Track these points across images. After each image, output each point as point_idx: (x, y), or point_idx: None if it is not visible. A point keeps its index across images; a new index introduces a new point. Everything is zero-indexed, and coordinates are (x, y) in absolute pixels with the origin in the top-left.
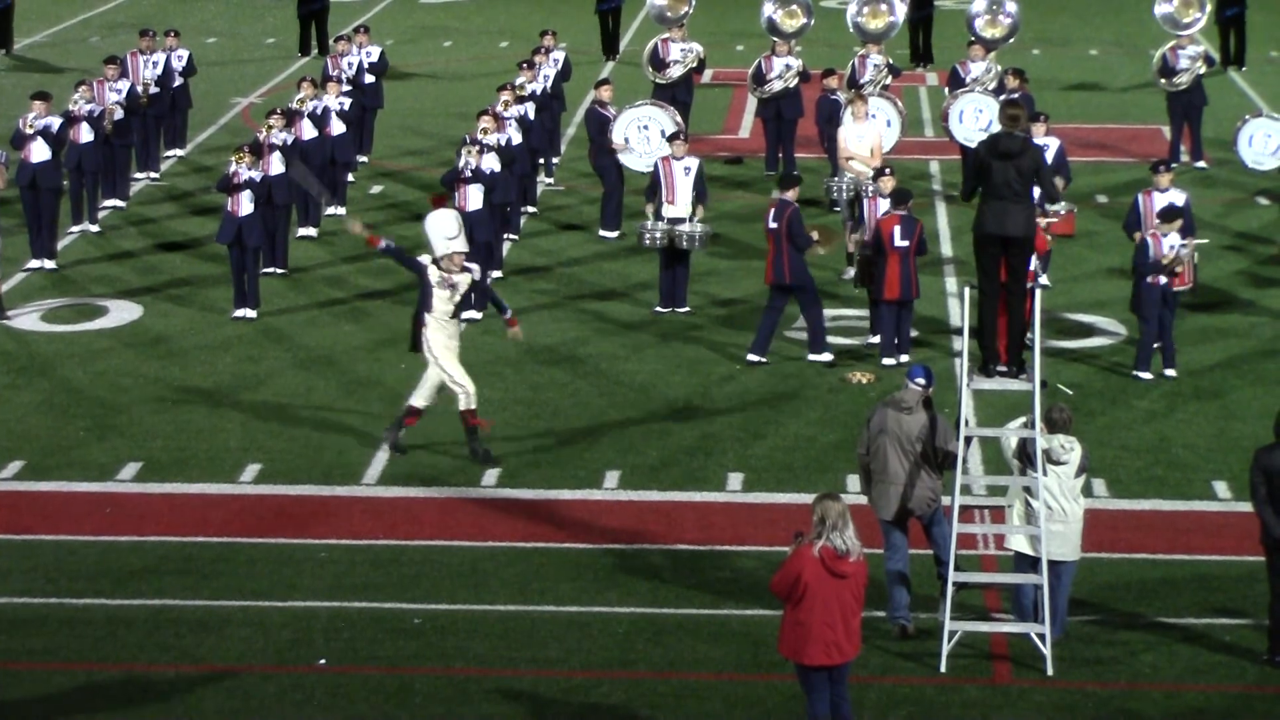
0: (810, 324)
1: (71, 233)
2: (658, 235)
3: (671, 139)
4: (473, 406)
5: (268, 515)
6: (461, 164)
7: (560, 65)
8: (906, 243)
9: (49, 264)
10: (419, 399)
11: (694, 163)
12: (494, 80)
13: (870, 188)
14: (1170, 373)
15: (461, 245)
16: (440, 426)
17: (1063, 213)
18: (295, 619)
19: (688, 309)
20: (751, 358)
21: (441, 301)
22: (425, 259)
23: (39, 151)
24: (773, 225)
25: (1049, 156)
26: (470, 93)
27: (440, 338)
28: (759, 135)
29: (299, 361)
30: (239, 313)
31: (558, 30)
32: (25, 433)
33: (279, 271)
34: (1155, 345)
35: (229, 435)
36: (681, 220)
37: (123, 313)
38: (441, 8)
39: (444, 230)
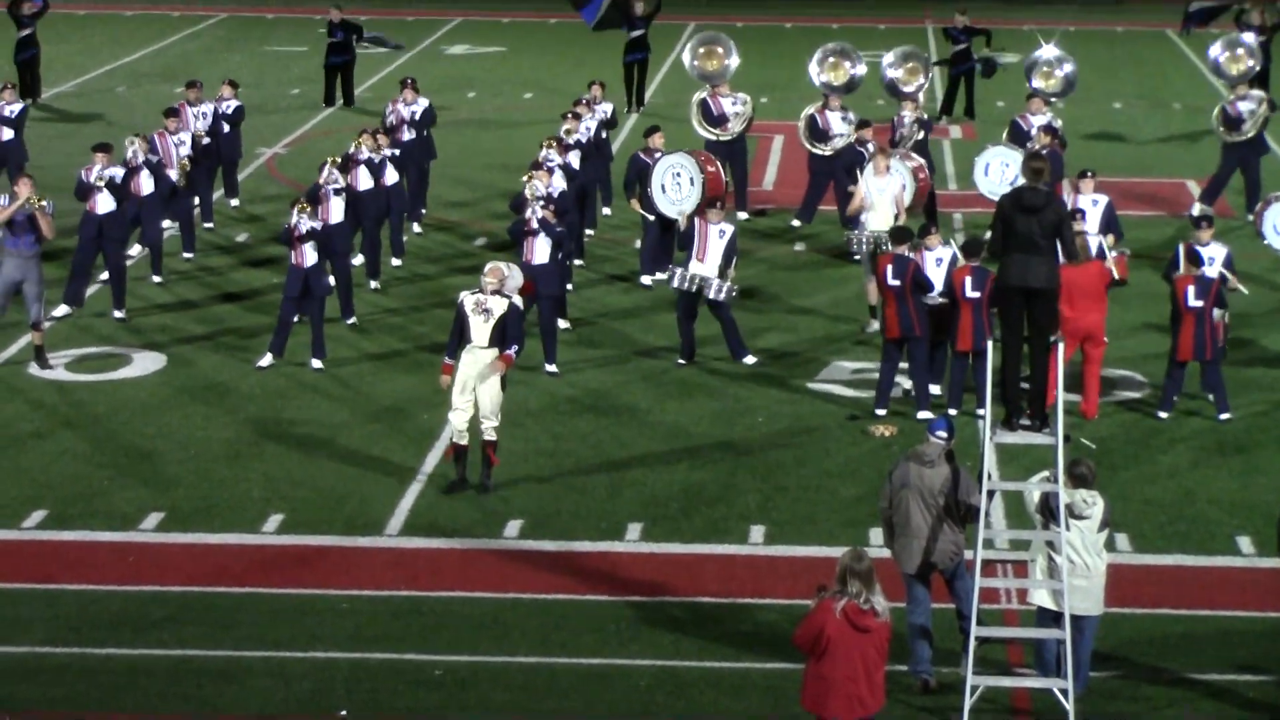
0: (920, 379)
1: (155, 281)
2: (688, 280)
3: (711, 205)
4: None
5: (289, 565)
6: (527, 214)
7: (608, 116)
8: (978, 294)
9: (118, 314)
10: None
11: (729, 229)
12: (521, 131)
13: (888, 242)
14: (1225, 416)
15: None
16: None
17: (1115, 256)
18: (316, 669)
19: (753, 359)
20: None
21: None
22: (462, 294)
23: (104, 203)
24: (894, 282)
25: (1098, 214)
26: (496, 143)
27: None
28: (783, 186)
29: (322, 412)
30: (263, 361)
31: (586, 81)
32: (49, 481)
33: (350, 321)
34: (1176, 397)
35: (251, 485)
36: (709, 279)
37: (147, 362)
38: (466, 59)
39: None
